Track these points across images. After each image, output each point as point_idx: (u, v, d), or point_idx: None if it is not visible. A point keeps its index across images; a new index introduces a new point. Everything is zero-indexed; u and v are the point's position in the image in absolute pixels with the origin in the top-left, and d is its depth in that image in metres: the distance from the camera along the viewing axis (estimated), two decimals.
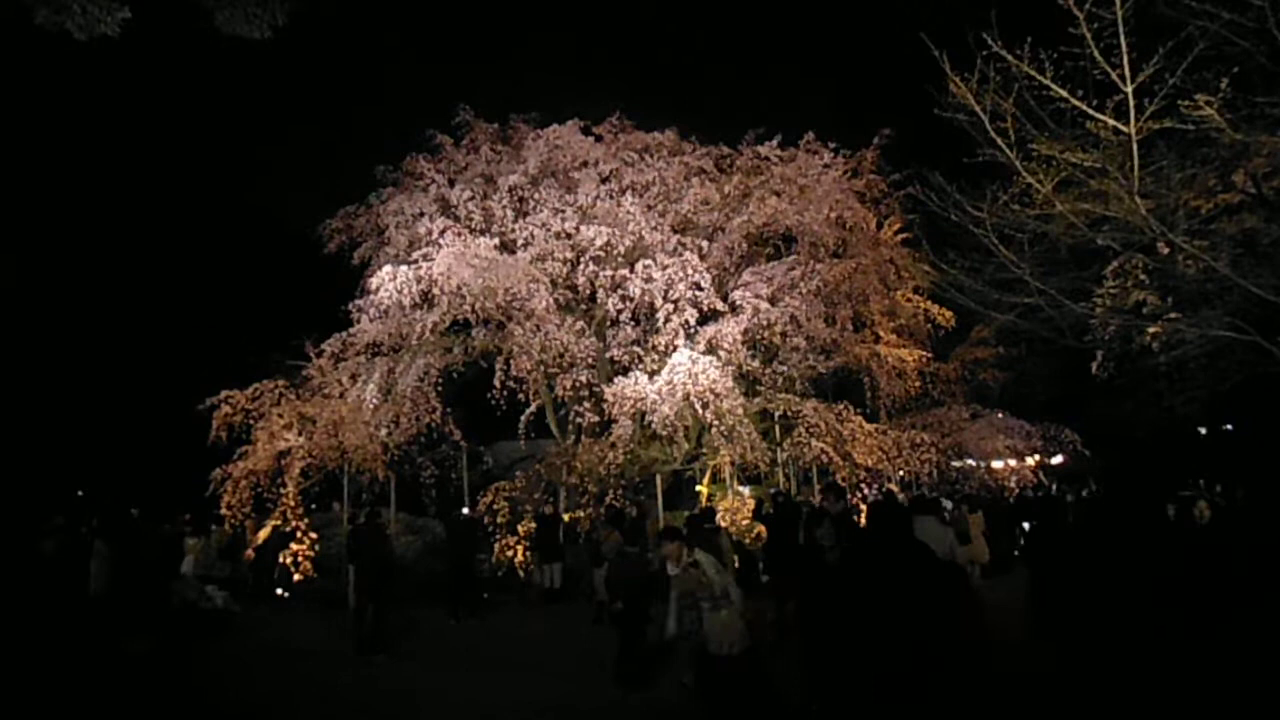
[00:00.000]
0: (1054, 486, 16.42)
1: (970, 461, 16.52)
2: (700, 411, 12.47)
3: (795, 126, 16.80)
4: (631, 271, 13.54)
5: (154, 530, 12.74)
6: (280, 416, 13.62)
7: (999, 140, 9.66)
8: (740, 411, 12.65)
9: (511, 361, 13.71)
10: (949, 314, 15.60)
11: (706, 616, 5.58)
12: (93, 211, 28.62)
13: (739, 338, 13.29)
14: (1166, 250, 9.96)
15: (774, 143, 15.41)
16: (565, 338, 13.44)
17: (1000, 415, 16.20)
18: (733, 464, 13.55)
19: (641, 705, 6.72)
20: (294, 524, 13.29)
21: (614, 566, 7.85)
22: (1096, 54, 8.53)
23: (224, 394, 13.77)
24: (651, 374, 12.92)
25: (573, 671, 7.69)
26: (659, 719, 6.61)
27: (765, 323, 13.49)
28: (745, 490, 15.69)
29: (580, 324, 14.02)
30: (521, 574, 14.11)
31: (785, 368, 14.16)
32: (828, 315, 14.41)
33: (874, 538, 3.66)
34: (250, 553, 13.85)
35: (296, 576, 13.07)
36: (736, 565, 12.99)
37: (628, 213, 13.84)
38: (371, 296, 12.97)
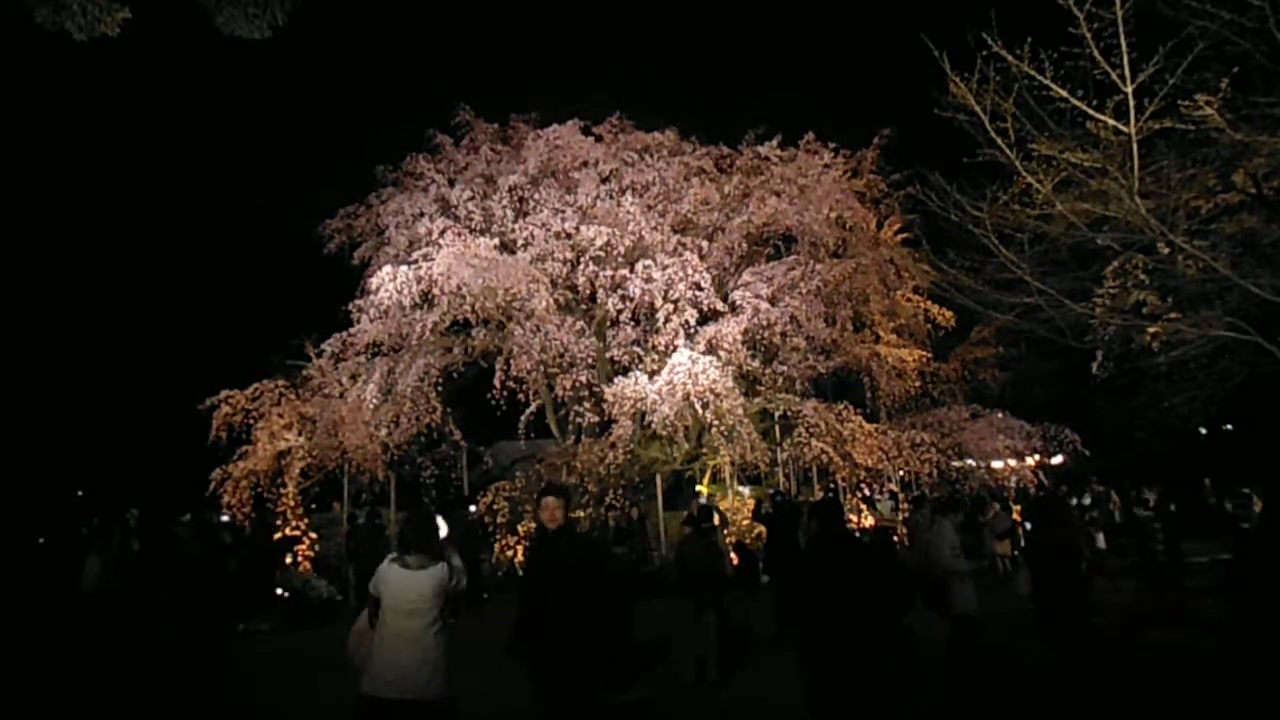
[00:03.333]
0: (1061, 488, 16.37)
1: (970, 461, 16.50)
2: (700, 411, 12.47)
3: (795, 126, 16.79)
4: (631, 271, 13.54)
5: (266, 526, 12.91)
6: (280, 416, 13.64)
7: (999, 140, 9.66)
8: (740, 411, 12.65)
9: (511, 361, 13.72)
10: (949, 314, 15.58)
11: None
12: (93, 212, 28.65)
13: (739, 338, 13.29)
14: (1166, 250, 9.94)
15: (774, 143, 15.43)
16: (565, 338, 13.44)
17: (1000, 415, 16.16)
18: (733, 464, 13.55)
19: (635, 705, 6.71)
20: (294, 524, 13.30)
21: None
22: (1096, 54, 8.53)
23: (224, 394, 13.79)
24: (651, 374, 12.92)
25: None
26: (648, 718, 6.60)
27: (765, 323, 13.49)
28: (745, 490, 15.69)
29: (580, 324, 14.03)
30: (521, 574, 14.10)
31: (785, 368, 14.17)
32: (828, 315, 14.41)
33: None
34: None
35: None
36: (736, 564, 13.04)
37: (628, 213, 13.84)
38: (371, 296, 12.97)
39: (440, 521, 4.75)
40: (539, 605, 4.61)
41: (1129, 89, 8.55)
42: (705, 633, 7.11)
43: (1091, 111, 9.02)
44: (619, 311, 13.68)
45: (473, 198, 14.69)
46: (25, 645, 9.91)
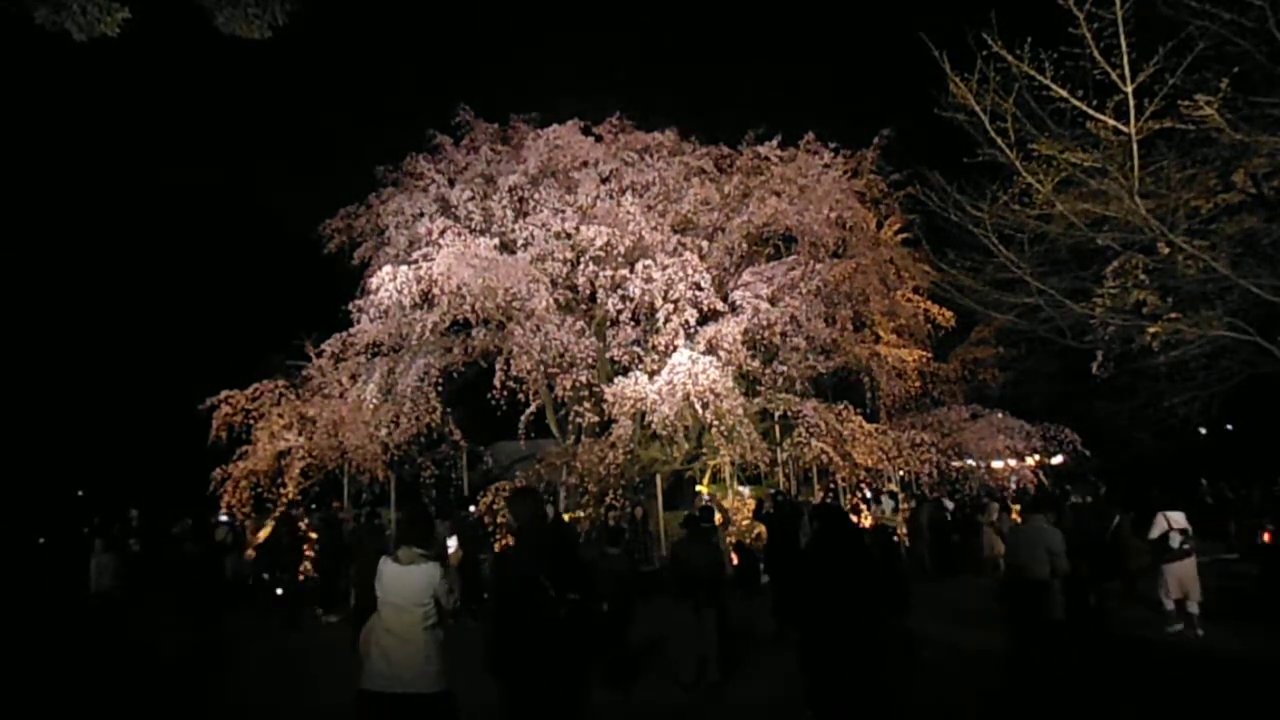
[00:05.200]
0: (1065, 488, 16.27)
1: (970, 461, 16.48)
2: (700, 411, 12.47)
3: (795, 126, 16.80)
4: (631, 271, 13.54)
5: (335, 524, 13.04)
6: (280, 416, 13.64)
7: (999, 140, 9.66)
8: (740, 411, 12.64)
9: (511, 361, 13.71)
10: (949, 314, 15.58)
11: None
12: (93, 211, 28.63)
13: (739, 338, 13.28)
14: (1166, 250, 9.95)
15: (774, 143, 15.42)
16: (565, 338, 13.43)
17: (1000, 415, 16.13)
18: (733, 464, 13.54)
19: (630, 706, 6.71)
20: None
21: (596, 567, 7.81)
22: (1096, 54, 8.54)
23: (224, 394, 13.79)
24: (651, 374, 12.91)
25: None
26: (648, 718, 6.60)
27: (765, 323, 13.49)
28: (745, 490, 15.69)
29: (580, 324, 14.02)
30: None
31: (785, 368, 14.16)
32: (828, 315, 14.40)
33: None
34: (251, 552, 13.85)
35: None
36: (736, 563, 13.05)
37: (628, 213, 13.83)
38: (371, 296, 12.96)
39: (452, 542, 4.74)
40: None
41: (1129, 89, 8.56)
42: (705, 632, 7.10)
43: (1091, 111, 9.02)
44: (619, 311, 13.67)
45: (473, 198, 14.69)
46: (35, 643, 9.94)
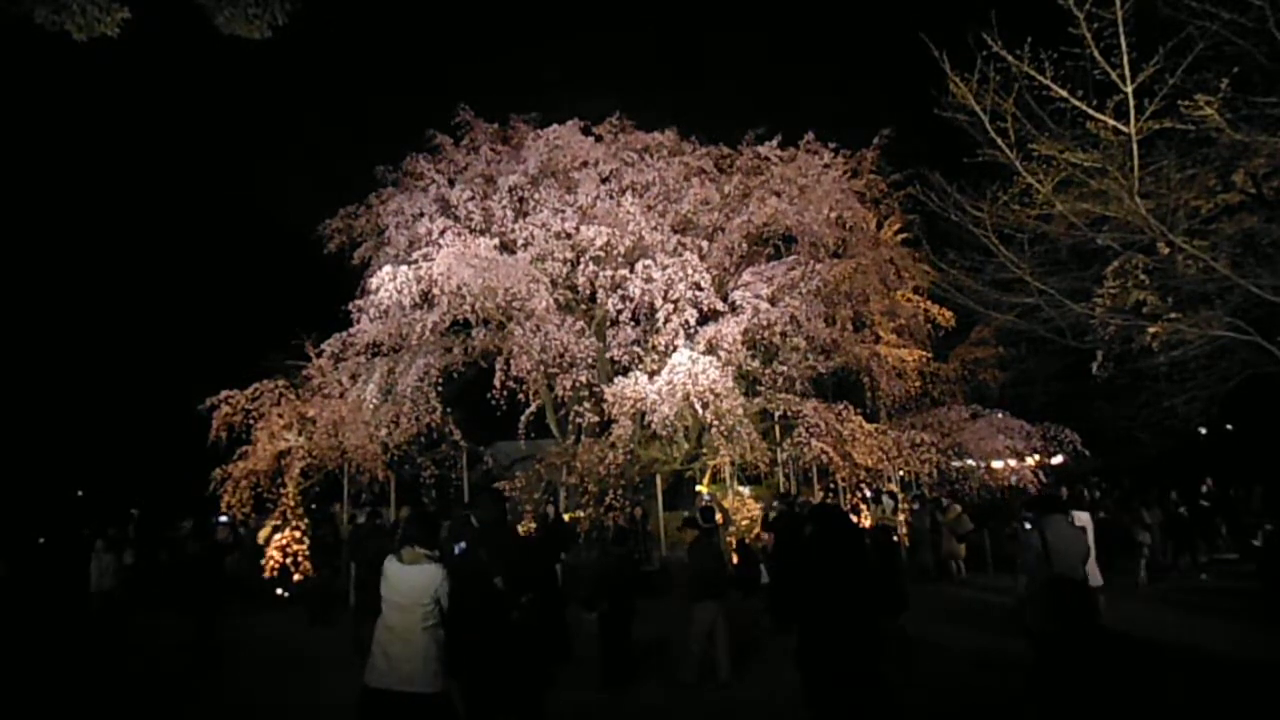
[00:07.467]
0: (1062, 488, 16.19)
1: (970, 461, 16.48)
2: (700, 411, 12.47)
3: (795, 126, 16.80)
4: (631, 271, 13.54)
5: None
6: (280, 416, 13.63)
7: (999, 140, 9.66)
8: (740, 411, 12.64)
9: (511, 361, 13.72)
10: (949, 314, 15.57)
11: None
12: (93, 212, 28.66)
13: (739, 338, 13.29)
14: (1166, 250, 9.95)
15: (774, 143, 15.42)
16: (565, 338, 13.44)
17: (1000, 415, 16.11)
18: (733, 464, 13.54)
19: (631, 705, 6.70)
20: (293, 523, 13.31)
21: (599, 566, 7.80)
22: (1096, 54, 8.53)
23: (224, 394, 13.78)
24: (651, 374, 12.92)
25: (568, 673, 7.68)
26: (649, 718, 6.59)
27: (765, 323, 13.49)
28: (745, 490, 15.70)
29: (580, 324, 14.03)
30: None
31: (785, 368, 14.16)
32: (828, 315, 14.40)
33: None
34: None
35: (296, 576, 13.07)
36: (735, 563, 13.04)
37: (628, 213, 13.84)
38: (371, 296, 12.97)
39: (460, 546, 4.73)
40: None
41: (1129, 89, 8.56)
42: (716, 633, 7.10)
43: (1091, 111, 9.02)
44: (619, 311, 13.67)
45: (473, 198, 14.69)
46: (35, 643, 9.93)
